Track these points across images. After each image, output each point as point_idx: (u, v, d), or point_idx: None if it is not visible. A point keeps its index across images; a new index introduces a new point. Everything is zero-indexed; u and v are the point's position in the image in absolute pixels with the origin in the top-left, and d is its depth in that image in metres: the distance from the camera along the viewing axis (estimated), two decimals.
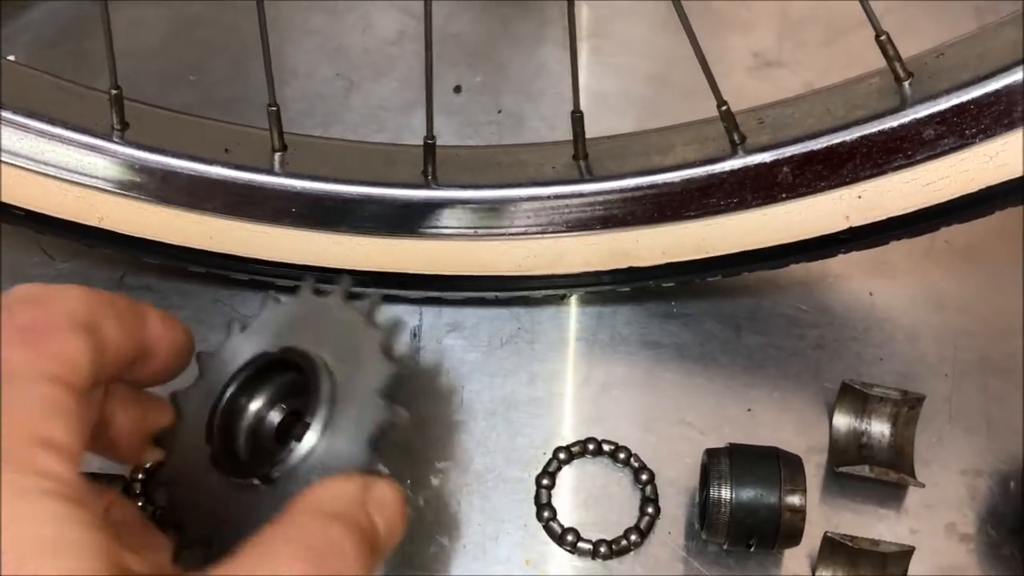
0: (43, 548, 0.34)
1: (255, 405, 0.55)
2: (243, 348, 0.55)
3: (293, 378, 0.54)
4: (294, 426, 0.53)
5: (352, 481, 0.46)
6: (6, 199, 0.62)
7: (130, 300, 0.46)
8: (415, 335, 0.69)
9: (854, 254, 0.63)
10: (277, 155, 0.62)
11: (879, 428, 0.62)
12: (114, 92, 0.60)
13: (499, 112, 0.80)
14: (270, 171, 0.61)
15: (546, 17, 0.87)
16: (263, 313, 0.56)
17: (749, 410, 0.65)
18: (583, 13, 0.86)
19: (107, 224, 0.63)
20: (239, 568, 0.40)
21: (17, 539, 0.34)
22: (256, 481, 0.50)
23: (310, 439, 0.50)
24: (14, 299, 0.41)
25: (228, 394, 0.53)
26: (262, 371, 0.54)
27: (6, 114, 0.59)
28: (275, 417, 0.55)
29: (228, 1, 0.86)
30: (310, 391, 0.51)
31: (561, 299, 0.69)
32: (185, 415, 0.54)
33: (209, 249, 0.64)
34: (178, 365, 0.50)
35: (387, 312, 0.59)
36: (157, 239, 0.64)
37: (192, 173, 0.61)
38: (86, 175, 0.61)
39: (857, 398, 0.62)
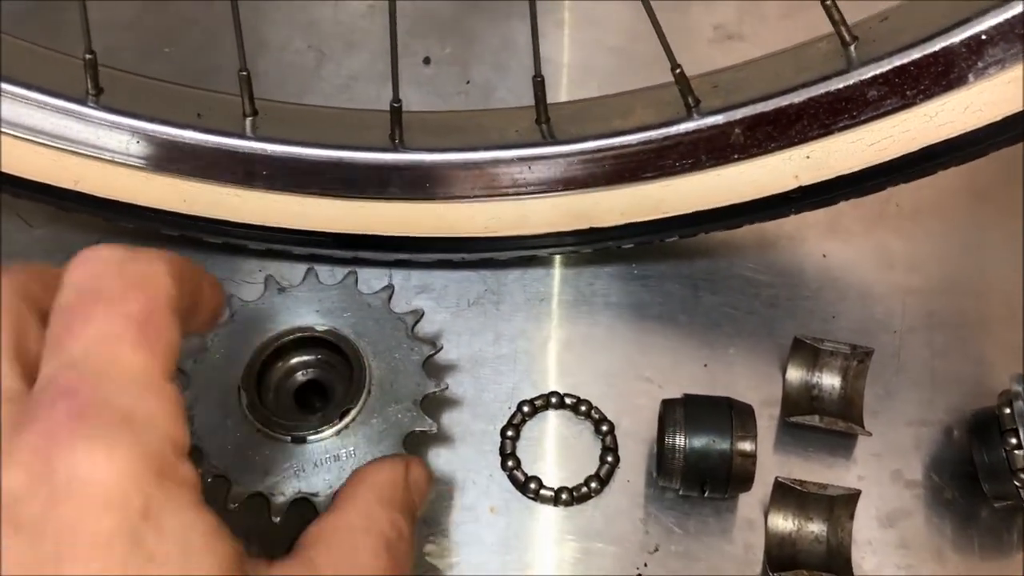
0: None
1: (285, 365, 0.62)
2: (280, 310, 0.63)
3: (322, 353, 0.63)
4: (314, 394, 0.63)
5: (398, 464, 0.51)
6: None
7: (193, 264, 0.43)
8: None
9: (808, 217, 0.66)
10: (248, 120, 0.64)
11: (830, 381, 0.65)
12: (88, 57, 0.61)
13: (467, 83, 0.82)
14: (241, 135, 0.63)
15: None
16: (303, 285, 0.65)
17: (705, 366, 0.67)
18: None
19: (82, 187, 0.65)
20: (325, 561, 0.42)
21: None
22: (288, 438, 0.57)
23: (345, 421, 0.58)
24: (109, 276, 0.38)
25: (270, 351, 0.61)
26: (301, 339, 0.62)
27: None
28: (298, 380, 0.63)
29: None
30: (352, 378, 0.60)
31: (527, 261, 0.72)
32: (211, 349, 0.61)
33: (182, 212, 0.66)
34: (214, 322, 0.48)
35: (426, 327, 0.68)
36: (131, 202, 0.66)
37: (165, 137, 0.63)
38: (62, 139, 0.62)
39: (809, 352, 0.65)
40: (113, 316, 0.37)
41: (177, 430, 0.37)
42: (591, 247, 0.68)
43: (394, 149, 0.63)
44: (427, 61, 0.82)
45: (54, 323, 0.38)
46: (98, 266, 0.38)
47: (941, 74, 0.55)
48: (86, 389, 0.35)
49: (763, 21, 0.85)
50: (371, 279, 0.70)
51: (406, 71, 0.81)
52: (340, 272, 0.66)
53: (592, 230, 0.66)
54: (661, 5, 0.59)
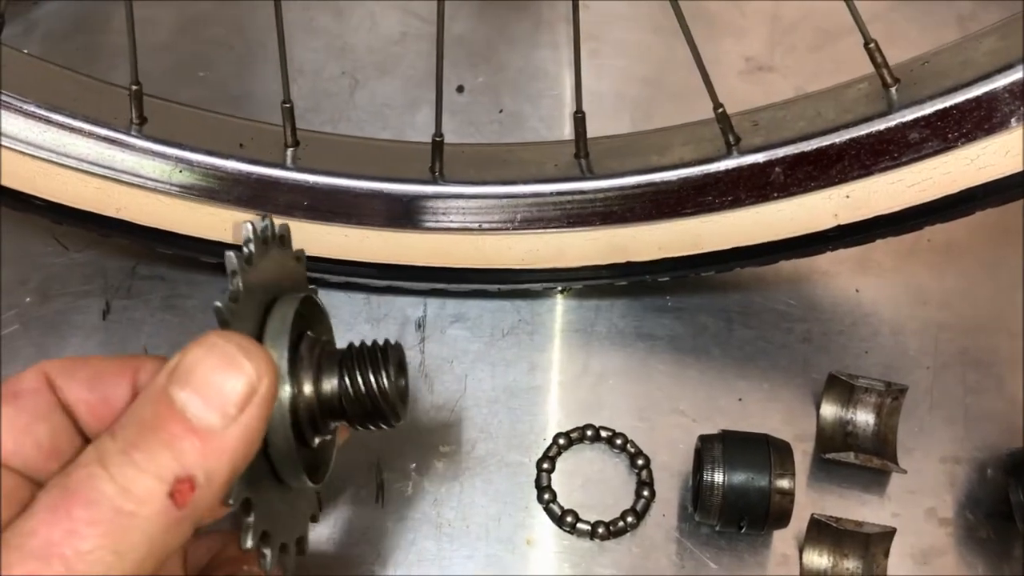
0: None
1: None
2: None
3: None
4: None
5: None
6: (29, 189, 0.64)
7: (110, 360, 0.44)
8: (420, 326, 0.71)
9: (840, 252, 0.66)
10: (290, 150, 0.64)
11: (864, 417, 0.65)
12: (134, 88, 0.62)
13: (500, 112, 0.82)
14: (283, 166, 0.64)
15: (542, 20, 0.90)
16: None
17: (740, 400, 0.67)
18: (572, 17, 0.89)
19: (124, 215, 0.66)
20: None
21: None
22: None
23: None
24: None
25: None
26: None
27: (31, 108, 0.61)
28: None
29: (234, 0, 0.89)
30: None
31: (560, 292, 0.72)
32: None
33: (223, 240, 0.67)
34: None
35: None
36: (172, 230, 0.66)
37: (208, 166, 0.63)
38: (106, 167, 0.63)
39: (844, 389, 0.65)
40: None
41: None
42: (626, 280, 0.68)
43: (434, 181, 0.64)
44: (460, 89, 0.83)
45: None
46: None
47: (983, 118, 0.56)
48: None
49: (793, 53, 0.86)
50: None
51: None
52: None
53: (629, 264, 0.66)
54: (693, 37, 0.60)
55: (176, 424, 0.36)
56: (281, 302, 0.46)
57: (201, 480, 0.36)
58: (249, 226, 0.45)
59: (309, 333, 0.48)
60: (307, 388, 0.45)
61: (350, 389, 0.46)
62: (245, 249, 0.45)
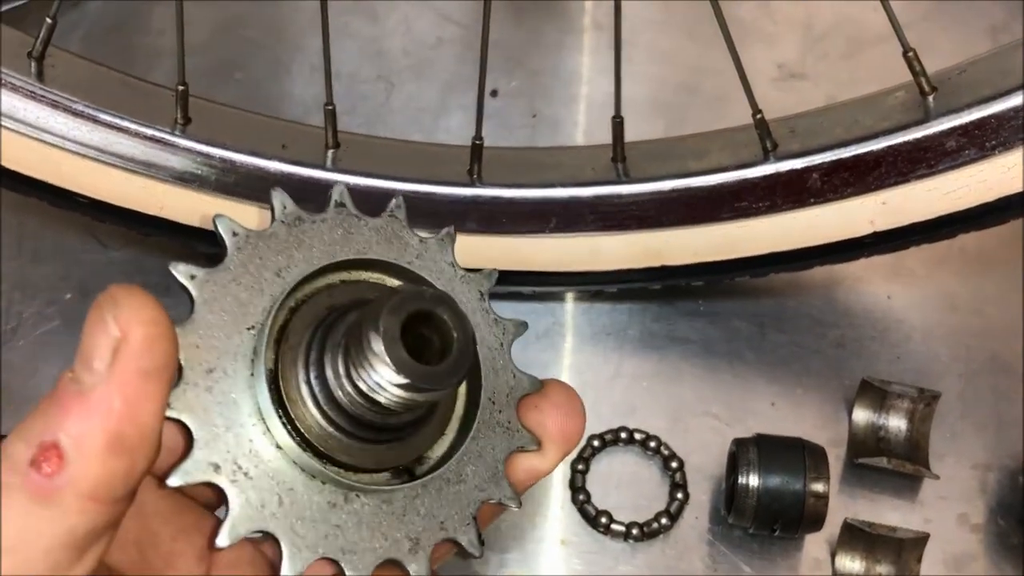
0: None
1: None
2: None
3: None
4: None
5: None
6: (74, 187, 0.65)
7: None
8: None
9: (873, 259, 0.67)
10: (331, 152, 0.65)
11: (896, 423, 0.66)
12: (180, 88, 0.63)
13: (533, 116, 0.83)
14: (324, 167, 0.65)
15: (576, 26, 0.90)
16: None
17: (772, 404, 0.68)
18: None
19: (167, 213, 0.66)
20: None
21: None
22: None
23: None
24: None
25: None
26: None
27: (79, 107, 0.62)
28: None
29: (271, 1, 0.90)
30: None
31: (594, 295, 0.73)
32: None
33: None
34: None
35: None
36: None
37: (252, 167, 0.64)
38: (151, 166, 0.64)
39: (876, 394, 0.66)
40: None
41: None
42: (661, 284, 0.69)
43: (472, 184, 0.65)
44: (494, 94, 0.84)
45: None
46: None
47: (1020, 126, 0.56)
48: None
49: (825, 60, 0.86)
50: None
51: (475, 104, 0.83)
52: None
53: (664, 268, 0.67)
54: (723, 43, 0.60)
55: (55, 392, 0.33)
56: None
57: (65, 443, 0.32)
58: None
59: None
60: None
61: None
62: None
